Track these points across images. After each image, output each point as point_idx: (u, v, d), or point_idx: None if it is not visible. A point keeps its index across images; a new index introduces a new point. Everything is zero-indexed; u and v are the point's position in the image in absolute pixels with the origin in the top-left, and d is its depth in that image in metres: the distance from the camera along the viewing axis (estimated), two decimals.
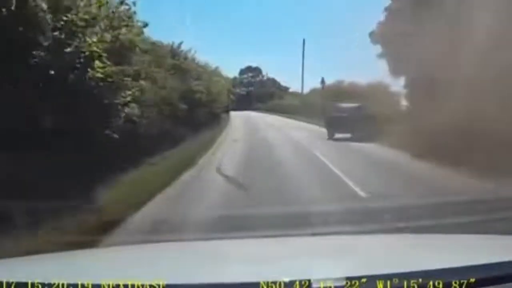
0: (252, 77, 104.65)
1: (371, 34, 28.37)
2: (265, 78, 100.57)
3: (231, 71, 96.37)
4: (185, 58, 21.22)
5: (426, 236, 4.07)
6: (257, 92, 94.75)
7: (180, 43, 21.69)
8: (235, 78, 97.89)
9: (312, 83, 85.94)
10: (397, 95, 59.77)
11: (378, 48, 29.10)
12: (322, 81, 42.38)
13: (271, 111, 62.64)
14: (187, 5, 78.60)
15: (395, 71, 26.90)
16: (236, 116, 52.23)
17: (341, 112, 26.78)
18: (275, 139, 23.91)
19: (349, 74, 79.62)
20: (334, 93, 50.49)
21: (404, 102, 42.86)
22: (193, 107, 21.50)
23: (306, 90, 62.08)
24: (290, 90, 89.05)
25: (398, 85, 28.32)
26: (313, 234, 5.45)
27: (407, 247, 2.76)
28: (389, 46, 25.57)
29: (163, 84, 16.43)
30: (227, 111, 53.62)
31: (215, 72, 32.42)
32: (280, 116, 51.93)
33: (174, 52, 20.90)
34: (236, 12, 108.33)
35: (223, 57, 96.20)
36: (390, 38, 25.19)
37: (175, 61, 20.09)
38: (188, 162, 13.98)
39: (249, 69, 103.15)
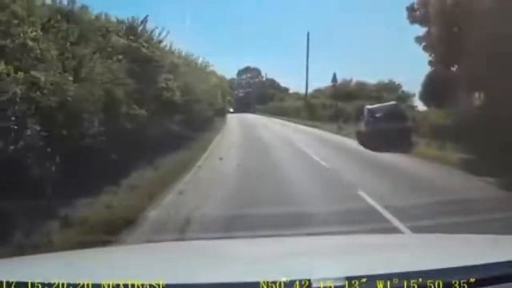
0: (250, 78, 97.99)
1: (409, 9, 20.50)
2: (264, 79, 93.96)
3: (228, 72, 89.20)
4: (147, 41, 13.42)
5: (426, 236, 3.88)
6: (256, 94, 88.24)
7: (145, 19, 13.96)
8: (233, 80, 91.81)
9: (314, 84, 78.92)
10: (410, 96, 52.60)
11: (416, 30, 21.27)
12: (334, 78, 34.43)
13: (271, 114, 54.94)
14: (186, 3, 72.49)
15: (444, 59, 19.06)
16: (233, 120, 44.50)
17: (384, 116, 19.35)
18: (282, 156, 16.23)
19: (354, 73, 72.66)
20: (343, 92, 43.46)
21: (416, 104, 35.76)
22: (163, 111, 13.86)
23: (301, 89, 54.84)
24: (290, 91, 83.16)
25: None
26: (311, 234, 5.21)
27: (407, 247, 2.67)
28: (437, 23, 17.68)
29: (88, 73, 8.74)
30: (222, 115, 46.16)
31: (203, 67, 24.64)
32: (281, 120, 44.04)
33: (130, 30, 13.19)
34: (233, 11, 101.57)
35: (219, 57, 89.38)
36: (440, 11, 17.33)
37: (130, 42, 12.40)
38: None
39: (247, 69, 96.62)
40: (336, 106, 34.12)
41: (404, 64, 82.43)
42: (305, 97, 47.49)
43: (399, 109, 21.07)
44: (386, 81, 58.98)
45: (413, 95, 53.56)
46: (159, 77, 13.52)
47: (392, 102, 21.26)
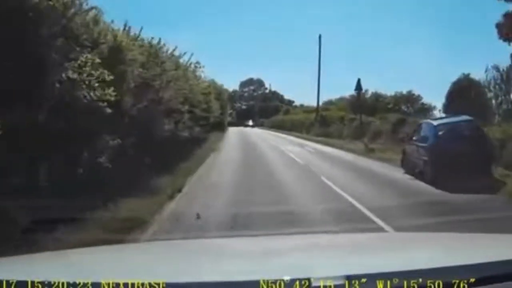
0: (253, 90, 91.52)
1: None
2: (267, 91, 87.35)
3: (230, 84, 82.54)
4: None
5: (426, 235, 3.67)
6: (260, 106, 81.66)
7: None
8: (235, 92, 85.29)
9: (322, 95, 71.92)
10: (431, 108, 45.32)
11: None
12: (358, 86, 26.58)
13: (277, 128, 47.56)
14: (186, 13, 66.26)
15: None
16: (234, 136, 37.20)
17: (456, 136, 12.34)
18: (308, 208, 8.73)
19: (367, 85, 65.60)
20: (354, 105, 36.32)
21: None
22: (74, 129, 6.59)
23: (308, 101, 47.65)
24: (295, 103, 76.59)
25: None
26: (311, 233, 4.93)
27: (408, 245, 2.52)
28: None
29: None
30: (221, 129, 38.87)
31: (188, 67, 17.05)
32: (291, 136, 36.52)
33: None
34: (234, 20, 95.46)
35: (221, 68, 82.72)
36: None
37: None
38: None
39: (250, 81, 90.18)
40: (360, 120, 26.58)
41: (422, 74, 75.54)
42: (317, 109, 40.03)
43: (475, 126, 13.73)
44: (404, 92, 52.31)
45: (434, 107, 47.07)
46: (61, 57, 6.27)
47: (465, 117, 13.89)
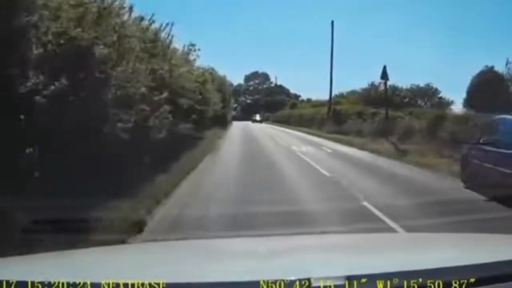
0: (258, 84, 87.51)
1: None
2: (273, 85, 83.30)
3: (234, 78, 78.52)
4: None
5: (426, 235, 3.72)
6: (265, 100, 77.62)
7: None
8: (239, 85, 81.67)
9: (326, 88, 67.54)
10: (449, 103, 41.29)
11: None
12: (384, 74, 21.87)
13: (285, 124, 43.21)
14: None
15: None
16: (237, 132, 33.03)
17: None
18: None
19: (375, 77, 61.04)
20: (375, 98, 32.20)
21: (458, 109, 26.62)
22: None
23: (315, 96, 43.64)
24: (301, 98, 72.80)
25: None
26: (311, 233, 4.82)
27: (407, 246, 2.48)
28: None
29: None
30: (223, 124, 34.70)
31: (166, 37, 12.74)
32: (302, 133, 32.28)
33: None
34: (240, 12, 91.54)
35: (226, 62, 78.54)
36: None
37: None
38: None
39: (255, 75, 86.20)
40: (386, 115, 22.13)
41: (434, 70, 71.18)
42: (329, 102, 35.65)
43: None
44: (422, 85, 48.09)
45: (451, 102, 44.21)
46: None
47: None
